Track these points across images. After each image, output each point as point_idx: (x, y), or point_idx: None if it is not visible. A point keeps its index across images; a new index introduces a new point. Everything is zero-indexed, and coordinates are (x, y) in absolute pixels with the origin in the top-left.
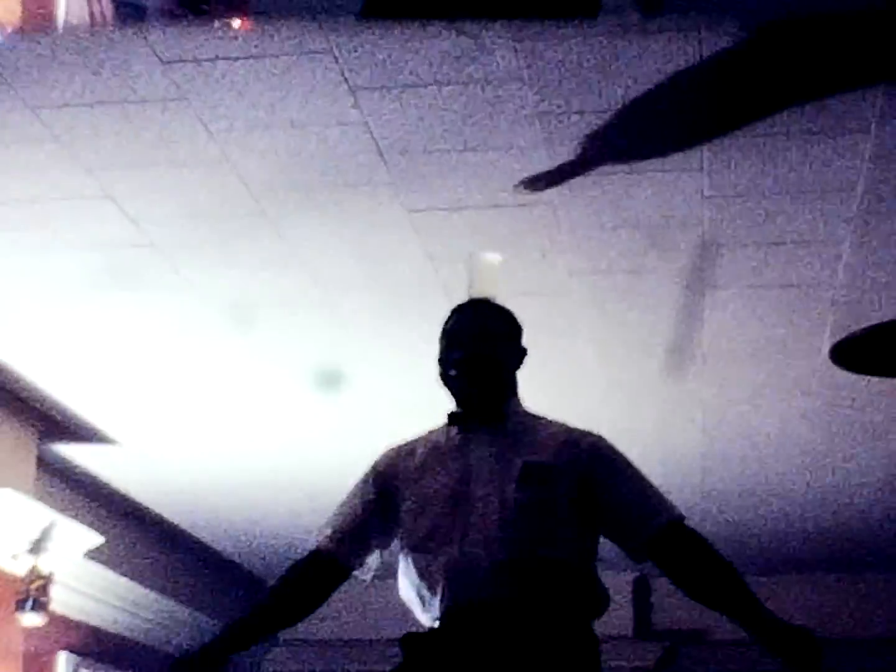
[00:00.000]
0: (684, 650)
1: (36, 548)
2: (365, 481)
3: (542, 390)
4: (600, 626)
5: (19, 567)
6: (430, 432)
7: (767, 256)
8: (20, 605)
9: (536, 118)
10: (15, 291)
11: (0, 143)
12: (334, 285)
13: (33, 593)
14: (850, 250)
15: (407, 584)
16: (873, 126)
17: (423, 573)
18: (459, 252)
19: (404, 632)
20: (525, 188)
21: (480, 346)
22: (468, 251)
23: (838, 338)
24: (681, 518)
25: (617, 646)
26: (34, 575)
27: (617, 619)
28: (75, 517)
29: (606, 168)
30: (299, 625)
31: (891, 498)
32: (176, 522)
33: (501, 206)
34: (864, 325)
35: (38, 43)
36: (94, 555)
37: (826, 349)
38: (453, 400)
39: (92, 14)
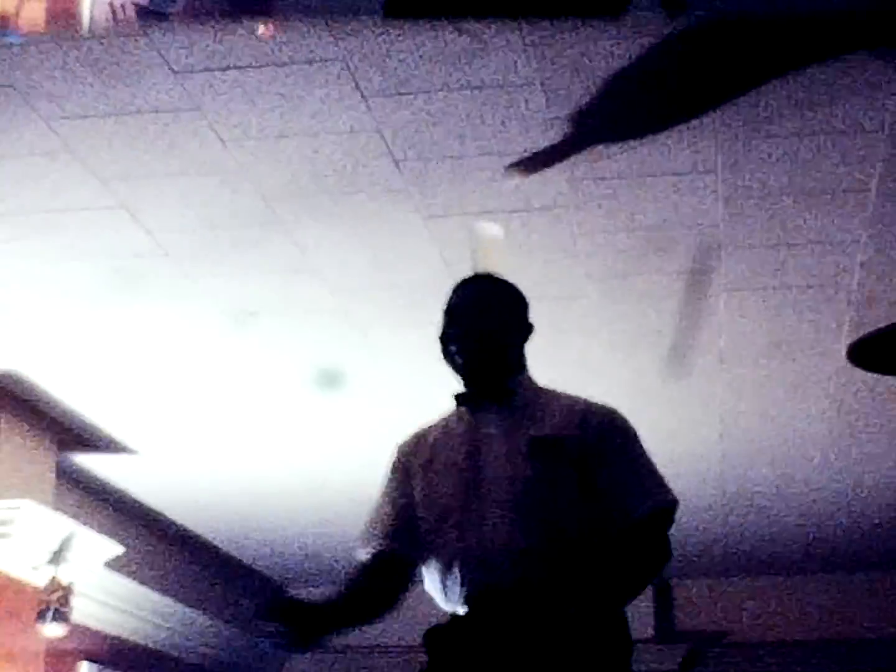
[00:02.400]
0: (708, 652)
1: (56, 558)
2: (390, 474)
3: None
4: None
5: (40, 578)
6: (443, 417)
7: (783, 257)
8: (41, 616)
9: (549, 123)
10: (32, 302)
11: (15, 155)
12: (349, 292)
13: (54, 604)
14: (866, 250)
15: (427, 572)
16: (886, 126)
17: (441, 560)
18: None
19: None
20: (523, 169)
21: (479, 321)
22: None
23: (855, 337)
24: (666, 505)
25: (639, 649)
26: (55, 585)
27: (638, 622)
28: (95, 527)
29: (621, 171)
30: None
31: None
32: (195, 531)
33: (516, 212)
34: (881, 324)
35: (52, 54)
36: (114, 564)
37: (843, 349)
38: (460, 380)
39: (115, 17)
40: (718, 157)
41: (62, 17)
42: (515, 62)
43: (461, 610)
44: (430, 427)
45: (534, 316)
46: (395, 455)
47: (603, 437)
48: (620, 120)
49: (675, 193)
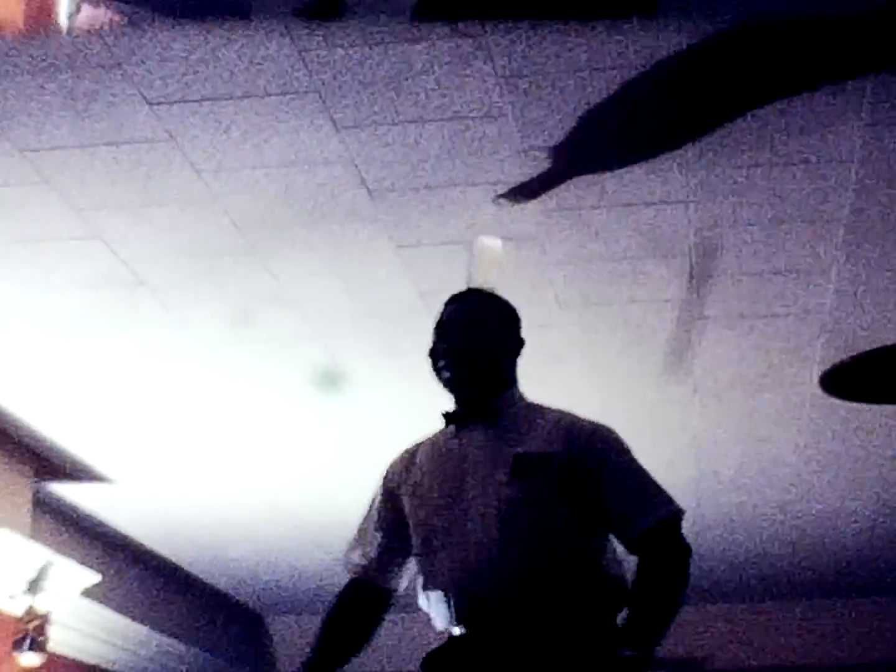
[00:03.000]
0: None
1: (33, 587)
2: (378, 493)
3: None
4: None
5: (16, 607)
6: (434, 434)
7: (756, 286)
8: (18, 645)
9: (523, 153)
10: (7, 331)
11: None
12: (324, 320)
13: (31, 633)
14: (838, 278)
15: (420, 593)
16: (857, 155)
17: (432, 580)
18: (448, 286)
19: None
20: (506, 200)
21: (466, 336)
22: (457, 285)
23: (828, 365)
24: (673, 514)
25: None
26: (31, 614)
27: None
28: (72, 556)
29: (593, 201)
30: None
31: (882, 524)
32: (173, 560)
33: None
34: (854, 352)
35: (26, 85)
36: (92, 593)
37: (817, 377)
38: (450, 396)
39: (96, 17)
40: (691, 187)
41: (39, 19)
42: (489, 92)
43: (456, 630)
44: (421, 444)
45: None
46: (384, 474)
47: (595, 453)
48: (597, 151)
49: (648, 223)
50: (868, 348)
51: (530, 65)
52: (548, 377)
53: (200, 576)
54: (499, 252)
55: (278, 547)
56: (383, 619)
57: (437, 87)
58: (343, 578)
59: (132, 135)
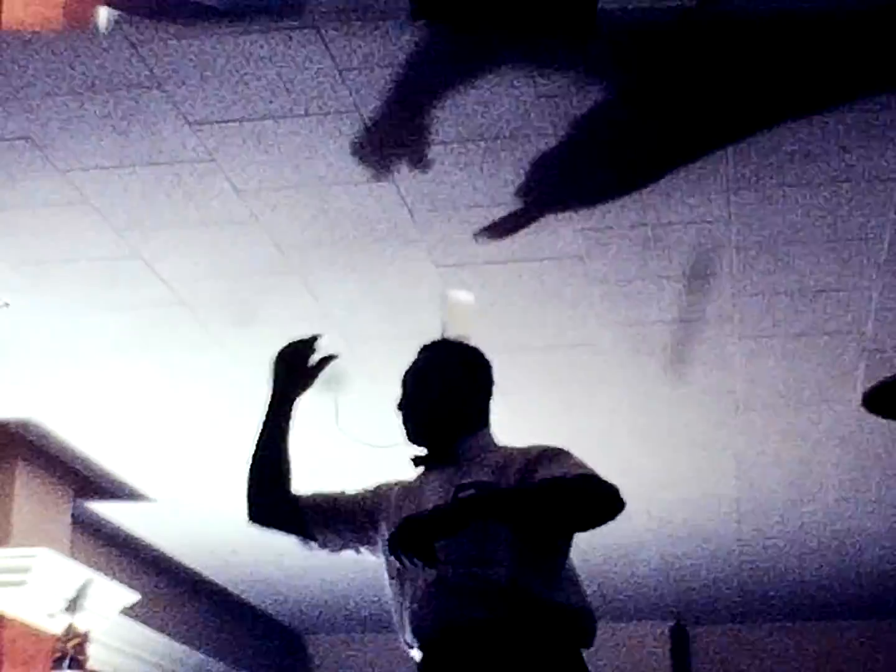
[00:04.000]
0: None
1: (72, 606)
2: (365, 490)
3: (576, 440)
4: None
5: (56, 625)
6: (408, 479)
7: (797, 305)
8: (58, 664)
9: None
10: (48, 350)
11: (32, 206)
12: (364, 341)
13: (70, 652)
14: (880, 297)
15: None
16: None
17: (394, 607)
18: (489, 306)
19: None
20: (484, 236)
21: (418, 388)
22: (498, 304)
23: (870, 384)
24: (598, 476)
25: None
26: (71, 633)
27: (654, 667)
28: (111, 575)
29: (634, 219)
30: None
31: None
32: (211, 577)
33: (529, 260)
34: None
35: (68, 106)
36: (131, 612)
37: (858, 396)
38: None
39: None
40: (731, 206)
41: (80, 16)
42: (528, 112)
43: (417, 655)
44: (396, 483)
45: (546, 363)
46: (375, 487)
47: (534, 459)
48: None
49: (688, 243)
50: None
51: (570, 84)
52: (589, 396)
53: (239, 594)
54: (469, 305)
55: (317, 566)
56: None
57: (477, 107)
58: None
59: (172, 155)
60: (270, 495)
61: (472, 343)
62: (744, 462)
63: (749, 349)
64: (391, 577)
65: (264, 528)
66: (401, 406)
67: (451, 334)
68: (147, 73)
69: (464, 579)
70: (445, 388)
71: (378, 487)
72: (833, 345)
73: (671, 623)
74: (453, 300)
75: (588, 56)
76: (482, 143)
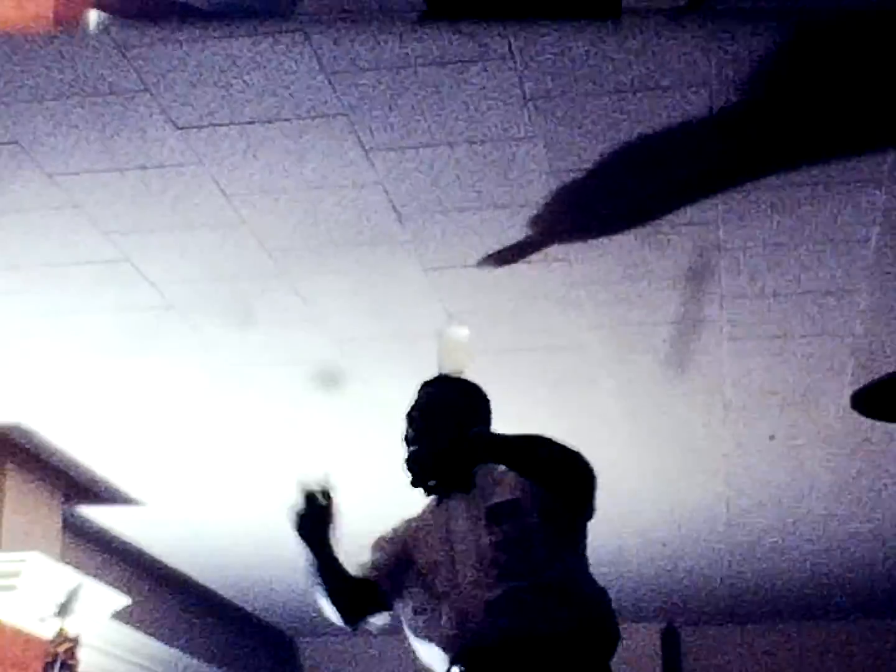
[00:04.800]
0: None
1: (63, 610)
2: (376, 548)
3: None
4: None
5: (47, 630)
6: (421, 510)
7: (785, 306)
8: (48, 668)
9: (551, 175)
10: (37, 355)
11: (19, 210)
12: (353, 344)
13: (61, 656)
14: (868, 299)
15: (418, 642)
16: (885, 177)
17: (433, 630)
18: (477, 309)
19: None
20: (489, 263)
21: (423, 425)
22: (487, 306)
23: (858, 385)
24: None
25: None
26: (61, 637)
27: (645, 668)
28: (102, 578)
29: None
30: None
31: None
32: (203, 582)
33: (517, 263)
34: (884, 372)
35: (56, 110)
36: (121, 616)
37: (847, 397)
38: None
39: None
40: (719, 209)
41: (71, 16)
42: (517, 115)
43: (456, 670)
44: (411, 519)
45: (534, 367)
46: (389, 538)
47: None
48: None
49: (678, 245)
50: None
51: (558, 86)
52: (578, 399)
53: (230, 598)
54: (464, 339)
55: None
56: (374, 613)
57: (465, 110)
58: None
59: (161, 159)
60: (353, 598)
61: (467, 377)
62: (733, 463)
63: (737, 350)
64: (422, 609)
65: (364, 625)
66: (411, 440)
67: (448, 369)
68: (135, 77)
69: (514, 589)
70: (450, 425)
71: (392, 538)
72: (821, 346)
73: (662, 624)
74: (449, 336)
75: (576, 57)
76: (470, 146)
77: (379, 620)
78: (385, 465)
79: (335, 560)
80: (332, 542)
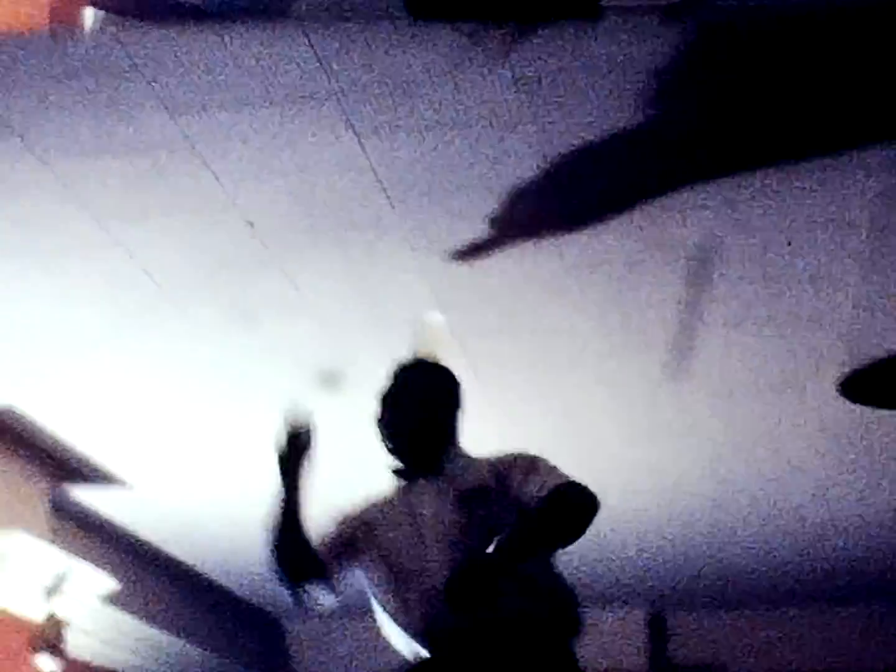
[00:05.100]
0: None
1: (51, 592)
2: (331, 530)
3: (555, 427)
4: (611, 664)
5: (35, 612)
6: (384, 493)
7: (775, 293)
8: (36, 651)
9: (541, 158)
10: (27, 338)
11: (10, 193)
12: (344, 328)
13: (49, 638)
14: (857, 285)
15: (388, 619)
16: (876, 165)
17: (401, 612)
18: (467, 294)
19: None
20: (485, 248)
21: (401, 409)
22: (476, 293)
23: (847, 371)
24: (582, 486)
25: None
26: (50, 620)
27: (632, 654)
28: (90, 561)
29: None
30: None
31: None
32: (191, 564)
33: (506, 248)
34: (874, 358)
35: (48, 93)
36: (110, 598)
37: (835, 383)
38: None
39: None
40: (711, 195)
41: (66, 15)
42: (506, 99)
43: (423, 652)
44: (371, 504)
45: (524, 350)
46: (341, 520)
47: (517, 467)
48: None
49: (668, 231)
50: (887, 354)
51: (548, 70)
52: (563, 383)
53: (219, 581)
54: (440, 327)
55: None
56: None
57: (456, 94)
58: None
59: (152, 142)
60: (300, 560)
61: (443, 362)
62: (722, 449)
63: (727, 337)
64: (388, 592)
65: (309, 600)
66: (387, 423)
67: (423, 354)
68: (128, 61)
69: None
70: (434, 406)
71: (353, 517)
72: (810, 332)
73: (650, 610)
74: (425, 322)
75: (567, 41)
76: (461, 130)
77: (324, 600)
78: (377, 447)
79: (300, 508)
80: (304, 484)
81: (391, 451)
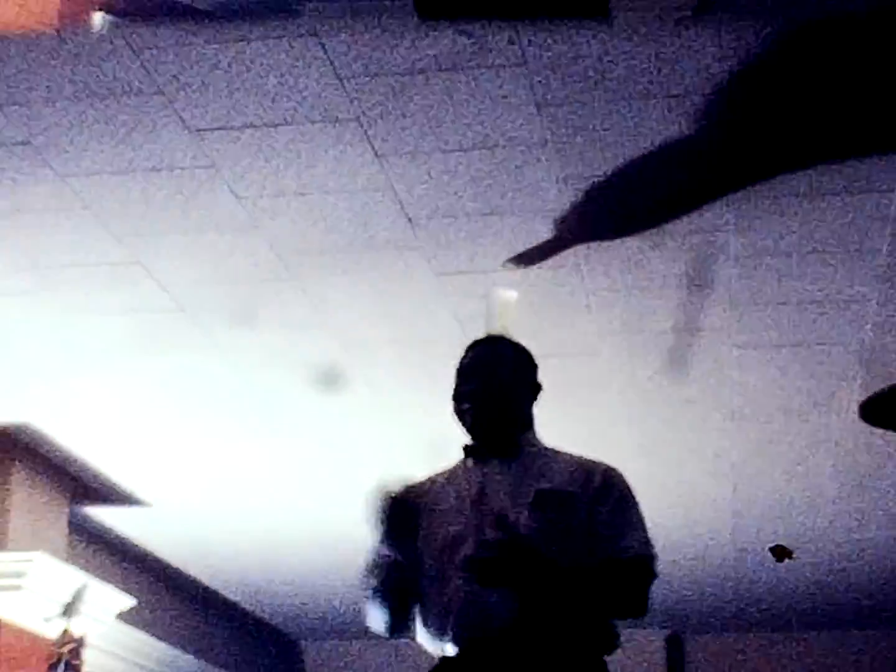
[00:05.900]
0: None
1: (68, 610)
2: (384, 519)
3: (574, 448)
4: None
5: (52, 630)
6: (445, 468)
7: (795, 315)
8: (53, 668)
9: (562, 181)
10: (46, 355)
11: (31, 210)
12: (363, 348)
13: (66, 656)
14: (877, 308)
15: (420, 611)
16: None
17: (439, 599)
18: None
19: None
20: (513, 264)
21: (491, 380)
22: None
23: (866, 395)
24: (649, 555)
25: None
26: (66, 638)
27: None
28: (107, 579)
29: (634, 229)
30: None
31: None
32: (208, 583)
33: (528, 269)
34: (892, 381)
35: (68, 111)
36: (127, 617)
37: (855, 406)
38: (468, 436)
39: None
40: (731, 216)
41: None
42: (527, 121)
43: (449, 650)
44: (429, 478)
45: (545, 373)
46: (387, 501)
47: (604, 488)
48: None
49: (689, 252)
50: None
51: (570, 92)
52: (587, 405)
53: (236, 600)
54: (514, 301)
55: (314, 572)
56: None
57: (477, 115)
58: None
59: (173, 161)
60: (405, 611)
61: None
62: (740, 471)
63: (746, 358)
64: (430, 573)
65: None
66: (465, 397)
67: (496, 329)
68: (148, 79)
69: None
70: (512, 383)
71: (394, 506)
72: (830, 355)
73: (667, 632)
74: (498, 297)
75: (588, 63)
76: (481, 152)
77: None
78: (402, 467)
79: (400, 570)
80: (404, 545)
81: (468, 426)
